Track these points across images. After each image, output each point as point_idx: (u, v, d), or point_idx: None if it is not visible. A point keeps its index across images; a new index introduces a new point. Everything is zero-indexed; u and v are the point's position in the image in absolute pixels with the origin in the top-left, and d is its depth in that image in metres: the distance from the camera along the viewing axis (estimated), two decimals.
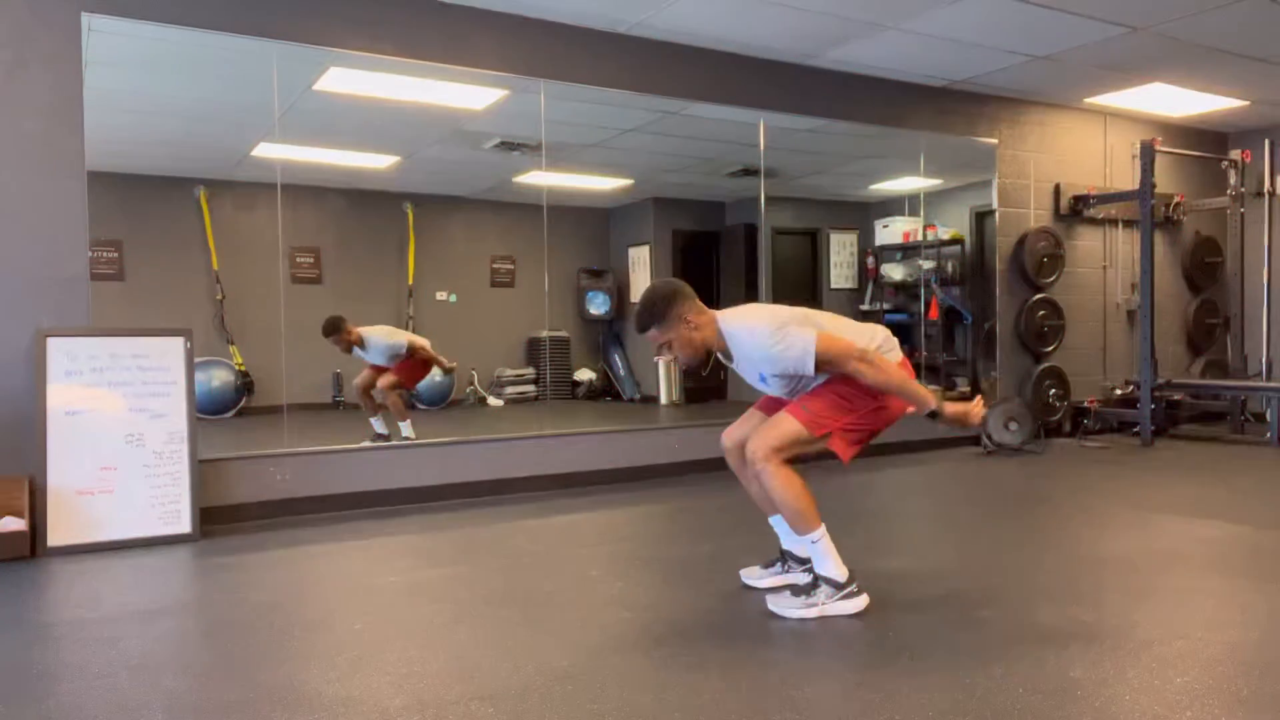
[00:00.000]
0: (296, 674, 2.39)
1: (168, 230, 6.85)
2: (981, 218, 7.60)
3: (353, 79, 5.14)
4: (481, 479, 5.01)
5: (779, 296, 6.62)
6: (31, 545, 3.73)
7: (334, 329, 6.00)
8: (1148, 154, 6.84)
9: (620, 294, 9.02)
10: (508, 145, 6.72)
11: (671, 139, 6.91)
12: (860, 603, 2.80)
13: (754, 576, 3.14)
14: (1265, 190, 7.29)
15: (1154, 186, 6.87)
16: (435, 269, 7.89)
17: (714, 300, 3.78)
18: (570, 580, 3.33)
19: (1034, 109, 7.17)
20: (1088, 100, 7.16)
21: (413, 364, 6.21)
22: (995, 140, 6.99)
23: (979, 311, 7.56)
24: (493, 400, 8.18)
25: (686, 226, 9.11)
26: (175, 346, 4.17)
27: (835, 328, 2.82)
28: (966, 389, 7.52)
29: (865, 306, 8.57)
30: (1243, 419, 7.38)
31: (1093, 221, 7.55)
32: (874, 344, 2.82)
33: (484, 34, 5.00)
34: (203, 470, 4.19)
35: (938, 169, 7.21)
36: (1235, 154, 7.62)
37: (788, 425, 2.77)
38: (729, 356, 2.90)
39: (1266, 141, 7.25)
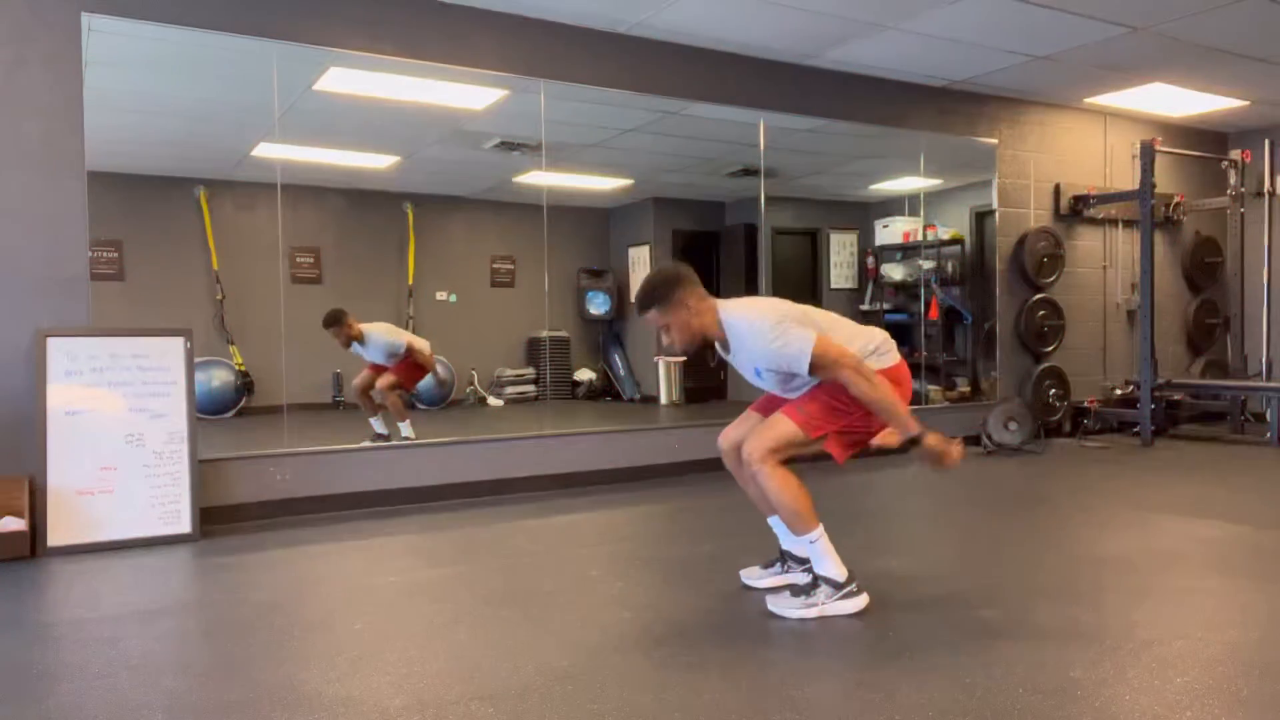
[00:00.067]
0: (296, 674, 2.39)
1: (168, 230, 6.83)
2: (981, 218, 7.59)
3: (353, 79, 5.14)
4: (481, 479, 5.01)
5: (779, 296, 6.58)
6: (31, 545, 3.73)
7: (335, 321, 6.00)
8: (1148, 154, 6.84)
9: (620, 294, 9.00)
10: (508, 145, 6.72)
11: (671, 139, 6.91)
12: (860, 602, 2.80)
13: (754, 576, 3.14)
14: (1265, 190, 7.29)
15: (1154, 186, 6.87)
16: (435, 269, 7.88)
17: None
18: (570, 580, 3.33)
19: (1034, 109, 7.17)
20: (1088, 100, 7.16)
21: (410, 364, 6.21)
22: (995, 140, 6.99)
23: (979, 311, 7.55)
24: (493, 400, 8.16)
25: (686, 226, 9.10)
26: (175, 346, 4.17)
27: (835, 329, 2.83)
28: (966, 389, 7.52)
29: (865, 306, 8.56)
30: (1243, 419, 7.38)
31: (1093, 221, 7.56)
32: (872, 345, 2.83)
33: (484, 34, 5.01)
34: (203, 470, 4.19)
35: (938, 169, 7.21)
36: (1235, 154, 7.63)
37: (784, 427, 2.77)
38: (726, 347, 2.90)
39: (1266, 141, 7.26)
